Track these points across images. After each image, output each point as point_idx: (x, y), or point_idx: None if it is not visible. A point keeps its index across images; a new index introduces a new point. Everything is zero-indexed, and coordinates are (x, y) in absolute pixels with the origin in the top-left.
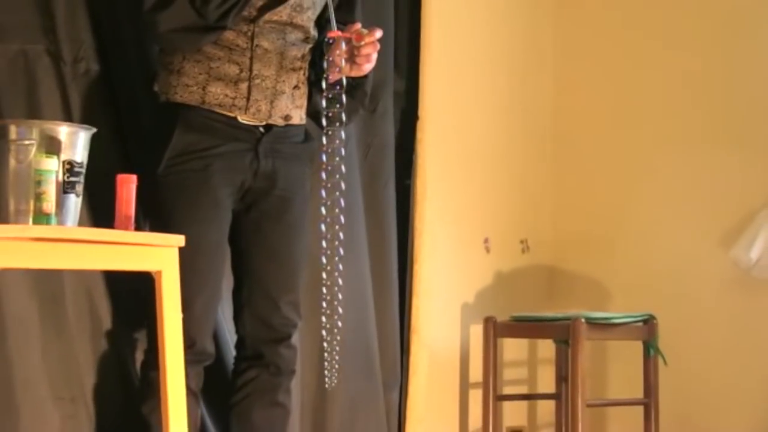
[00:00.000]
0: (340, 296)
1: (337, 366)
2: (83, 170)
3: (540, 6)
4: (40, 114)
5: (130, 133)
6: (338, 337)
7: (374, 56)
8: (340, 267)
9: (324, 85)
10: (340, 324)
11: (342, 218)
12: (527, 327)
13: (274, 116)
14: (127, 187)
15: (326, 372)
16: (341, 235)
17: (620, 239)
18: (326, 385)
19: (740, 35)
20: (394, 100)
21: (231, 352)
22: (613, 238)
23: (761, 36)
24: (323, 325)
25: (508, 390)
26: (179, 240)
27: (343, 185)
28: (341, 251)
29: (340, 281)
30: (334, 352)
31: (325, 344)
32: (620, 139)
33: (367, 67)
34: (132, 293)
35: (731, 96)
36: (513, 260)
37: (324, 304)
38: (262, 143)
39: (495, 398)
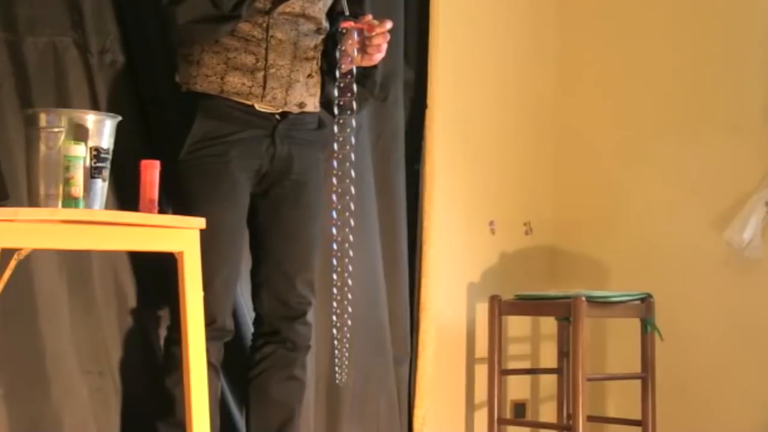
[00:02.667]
0: (350, 282)
1: (347, 362)
2: (109, 156)
3: None
4: (69, 103)
5: (154, 121)
6: (348, 335)
7: (384, 46)
8: (351, 253)
9: (337, 74)
10: (350, 309)
11: (352, 205)
12: (530, 305)
13: (289, 104)
14: (151, 172)
15: (336, 369)
16: (351, 221)
17: (619, 221)
18: (337, 381)
19: (733, 24)
20: (404, 90)
21: (249, 329)
22: (612, 221)
23: (753, 24)
24: (334, 310)
25: (512, 365)
26: (200, 222)
27: (353, 173)
28: (351, 238)
29: (350, 267)
30: (344, 349)
31: (335, 342)
32: (619, 126)
33: (378, 57)
34: (155, 273)
35: (725, 83)
36: (517, 242)
37: (335, 290)
38: (278, 130)
39: (500, 372)
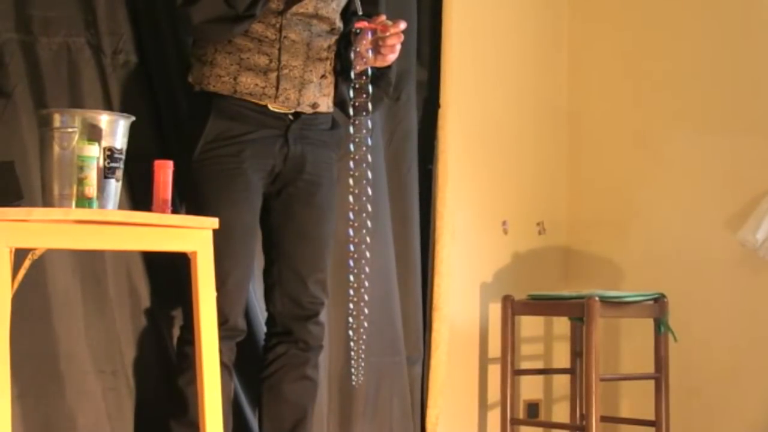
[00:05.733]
0: (366, 284)
1: (363, 364)
2: (123, 156)
3: None
4: (82, 103)
5: (167, 121)
6: (364, 337)
7: (398, 47)
8: (367, 254)
9: (352, 75)
10: (366, 311)
11: (369, 207)
12: (543, 305)
13: (302, 104)
14: (164, 172)
15: (353, 371)
16: (368, 223)
17: (632, 221)
18: (353, 383)
19: (750, 21)
20: (417, 89)
21: (262, 329)
22: (626, 221)
23: None
24: (350, 312)
25: (525, 365)
26: (213, 222)
27: (369, 174)
28: (368, 240)
29: (367, 269)
30: (361, 351)
31: (351, 344)
32: (633, 125)
33: (391, 57)
34: (169, 273)
35: (739, 83)
36: (530, 242)
37: (351, 292)
38: (291, 130)
39: (512, 373)
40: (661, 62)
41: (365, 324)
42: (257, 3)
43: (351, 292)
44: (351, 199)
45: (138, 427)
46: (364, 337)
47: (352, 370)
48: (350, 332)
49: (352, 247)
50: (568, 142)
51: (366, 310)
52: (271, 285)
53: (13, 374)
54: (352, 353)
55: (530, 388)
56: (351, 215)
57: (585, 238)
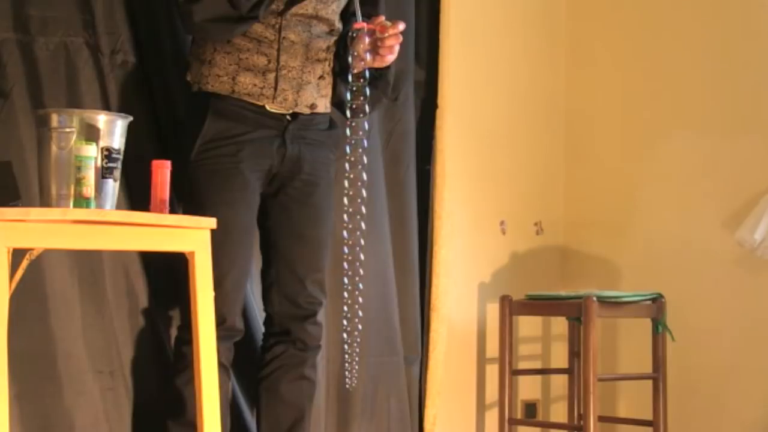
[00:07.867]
0: (361, 286)
1: (357, 367)
2: (120, 156)
3: None
4: (80, 103)
5: (165, 121)
6: (358, 339)
7: (396, 48)
8: (362, 257)
9: (349, 76)
10: (361, 314)
11: (363, 209)
12: (541, 305)
13: (300, 105)
14: (162, 172)
15: (347, 373)
16: (363, 225)
17: (630, 221)
18: (347, 386)
19: (749, 22)
20: (415, 90)
21: (260, 329)
22: (623, 221)
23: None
24: (344, 315)
25: (522, 365)
26: (211, 222)
27: (365, 176)
28: (362, 242)
29: (362, 271)
30: (355, 354)
31: (345, 346)
32: (630, 125)
33: (390, 58)
34: (166, 273)
35: (737, 82)
36: (527, 242)
37: (345, 294)
38: (289, 130)
39: (510, 373)
40: (658, 62)
41: (359, 327)
42: (261, 4)
43: (345, 294)
44: (346, 201)
45: (136, 427)
46: (359, 340)
47: (346, 373)
48: (344, 335)
49: (346, 250)
50: (565, 141)
51: (360, 313)
52: (268, 285)
53: (11, 374)
54: (346, 356)
55: (528, 388)
56: (346, 217)
57: (582, 238)
